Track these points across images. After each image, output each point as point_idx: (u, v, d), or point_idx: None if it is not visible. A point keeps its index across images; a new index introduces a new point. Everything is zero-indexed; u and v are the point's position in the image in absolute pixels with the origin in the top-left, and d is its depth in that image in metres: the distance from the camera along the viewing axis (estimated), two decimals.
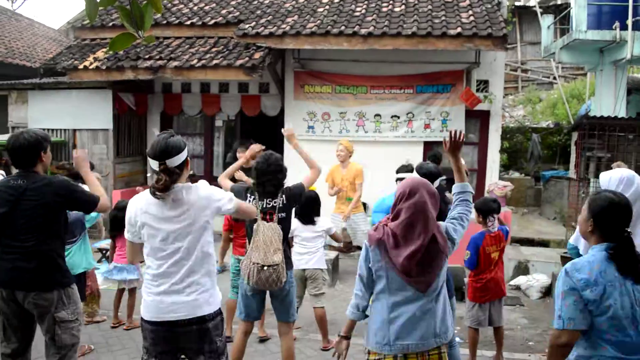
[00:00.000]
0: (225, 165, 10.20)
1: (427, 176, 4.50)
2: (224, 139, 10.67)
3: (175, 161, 2.81)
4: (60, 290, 3.38)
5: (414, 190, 2.69)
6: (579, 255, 4.16)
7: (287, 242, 4.16)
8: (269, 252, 3.83)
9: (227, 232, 5.34)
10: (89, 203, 3.50)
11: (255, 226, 3.92)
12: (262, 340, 5.24)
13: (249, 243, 3.99)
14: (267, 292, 4.10)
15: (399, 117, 9.09)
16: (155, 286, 2.88)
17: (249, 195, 4.07)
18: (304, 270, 5.11)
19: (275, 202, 3.98)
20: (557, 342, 2.42)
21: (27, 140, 3.35)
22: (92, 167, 5.86)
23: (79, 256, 5.09)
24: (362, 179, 7.35)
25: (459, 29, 7.90)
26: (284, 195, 4.03)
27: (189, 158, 2.96)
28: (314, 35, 8.36)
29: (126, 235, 3.00)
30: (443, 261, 2.74)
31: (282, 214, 4.00)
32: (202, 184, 2.96)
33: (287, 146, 9.41)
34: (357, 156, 7.90)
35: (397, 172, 5.19)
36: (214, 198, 2.92)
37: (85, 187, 3.68)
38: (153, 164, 2.82)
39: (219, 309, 2.97)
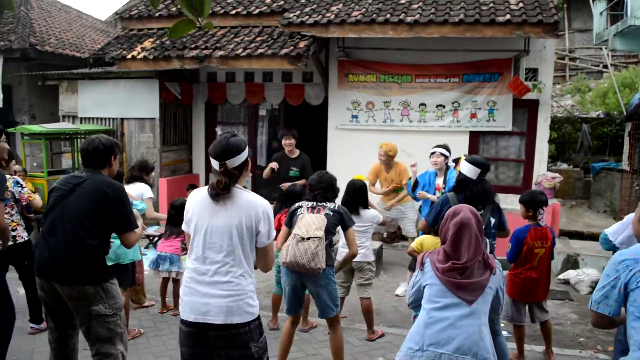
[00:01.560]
0: (269, 154, 10.30)
1: (478, 165, 4.43)
2: (268, 128, 10.72)
3: (235, 162, 2.83)
4: (97, 285, 3.37)
5: (458, 209, 2.93)
6: (613, 249, 4.03)
7: (330, 241, 4.22)
8: (311, 228, 3.97)
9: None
10: (126, 225, 3.49)
11: (300, 216, 4.11)
12: (306, 331, 5.28)
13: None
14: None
15: (444, 107, 8.94)
16: (192, 283, 2.87)
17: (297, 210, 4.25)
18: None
19: (327, 203, 4.26)
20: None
21: (103, 144, 3.53)
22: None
23: None
24: (407, 179, 7.28)
25: (507, 16, 7.70)
26: (336, 206, 4.28)
27: (249, 158, 2.94)
28: (359, 23, 8.28)
29: (183, 227, 3.02)
30: (488, 280, 2.81)
31: (330, 213, 4.16)
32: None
33: (330, 137, 9.44)
34: (402, 146, 7.84)
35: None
36: (260, 223, 2.86)
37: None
38: (214, 164, 2.86)
39: (257, 316, 2.89)
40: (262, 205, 2.87)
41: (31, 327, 5.06)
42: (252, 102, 10.28)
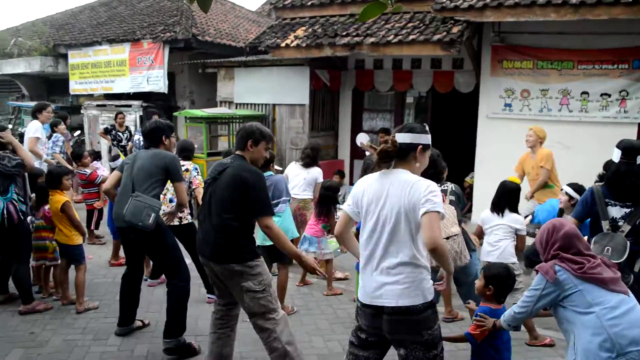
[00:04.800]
0: None
1: (619, 147, 3.98)
2: (414, 116, 10.61)
3: (404, 138, 2.86)
4: (241, 263, 3.56)
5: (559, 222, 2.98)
6: None
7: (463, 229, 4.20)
8: (446, 226, 3.84)
9: None
10: (260, 209, 3.57)
11: None
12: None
13: None
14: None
15: (609, 96, 8.24)
16: (364, 267, 2.93)
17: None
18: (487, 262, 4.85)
19: (445, 186, 4.29)
20: None
21: (244, 129, 3.77)
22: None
23: (287, 224, 5.41)
24: (549, 165, 6.79)
25: None
26: (451, 185, 4.40)
27: (422, 146, 2.90)
28: (518, 6, 7.85)
29: (344, 206, 3.07)
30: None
31: (452, 197, 4.28)
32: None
33: (480, 126, 9.11)
34: (558, 137, 7.38)
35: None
36: (425, 199, 2.72)
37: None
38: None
39: (430, 301, 2.82)
40: (425, 192, 2.76)
41: (208, 297, 5.46)
42: (399, 89, 10.22)
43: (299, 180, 6.83)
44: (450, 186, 4.45)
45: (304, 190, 6.82)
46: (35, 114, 7.97)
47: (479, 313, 3.22)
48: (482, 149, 9.10)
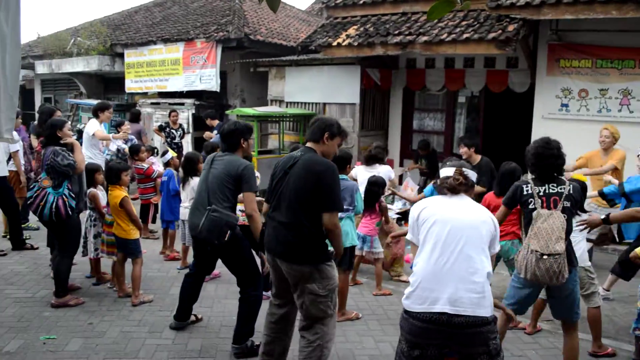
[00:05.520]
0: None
1: None
2: (466, 116, 10.44)
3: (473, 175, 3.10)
4: (313, 265, 3.46)
5: None
6: None
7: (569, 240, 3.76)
8: (550, 240, 3.51)
9: None
10: (328, 204, 3.44)
11: (534, 213, 3.65)
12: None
13: (525, 233, 3.75)
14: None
15: None
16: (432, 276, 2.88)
17: (524, 189, 3.81)
18: None
19: (561, 189, 3.69)
20: None
21: (322, 120, 3.70)
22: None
23: (349, 228, 5.29)
24: (620, 165, 6.55)
25: None
26: (571, 185, 3.74)
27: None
28: (577, 3, 7.60)
29: (408, 237, 3.10)
30: None
31: (567, 203, 3.66)
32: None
33: (535, 127, 8.87)
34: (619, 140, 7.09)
35: None
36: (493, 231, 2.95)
37: None
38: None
39: (493, 315, 2.82)
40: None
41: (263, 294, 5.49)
42: (451, 88, 10.08)
43: None
44: (568, 188, 3.73)
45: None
46: (96, 112, 8.11)
47: None
48: None
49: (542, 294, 4.26)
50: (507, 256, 5.06)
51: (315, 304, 3.50)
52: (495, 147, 10.67)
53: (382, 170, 6.54)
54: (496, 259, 4.14)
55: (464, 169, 3.05)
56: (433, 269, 2.81)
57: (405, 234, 5.50)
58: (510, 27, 8.13)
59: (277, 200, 3.58)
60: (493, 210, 4.17)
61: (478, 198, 4.14)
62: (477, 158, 7.02)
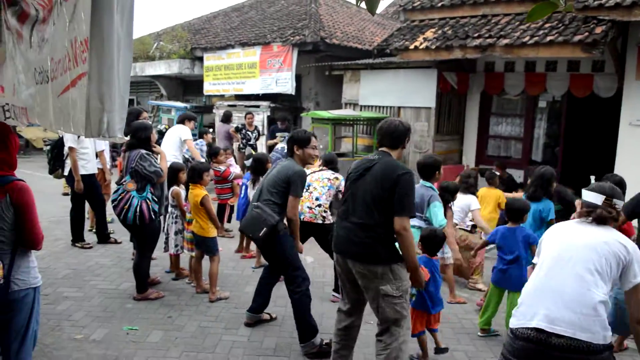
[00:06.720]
0: (545, 149, 9.68)
1: None
2: (546, 121, 10.08)
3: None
4: (386, 265, 3.45)
5: None
6: None
7: None
8: None
9: None
10: (398, 208, 3.39)
11: None
12: None
13: None
14: None
15: None
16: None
17: None
18: None
19: None
20: None
21: (402, 124, 3.70)
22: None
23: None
24: None
25: None
26: None
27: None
28: None
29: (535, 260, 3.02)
30: None
31: None
32: None
33: (622, 134, 8.44)
34: None
35: None
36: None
37: None
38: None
39: (609, 344, 2.57)
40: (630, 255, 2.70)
41: (333, 296, 5.57)
42: (531, 93, 9.76)
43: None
44: None
45: (461, 219, 6.34)
46: (183, 121, 8.38)
47: None
48: (622, 158, 8.43)
49: None
50: None
51: (391, 306, 3.49)
52: (577, 153, 10.25)
53: (466, 200, 6.15)
54: None
55: (614, 200, 2.84)
56: (538, 285, 2.73)
57: (484, 246, 5.39)
58: (598, 29, 7.78)
59: (351, 202, 3.60)
60: None
61: None
62: None
